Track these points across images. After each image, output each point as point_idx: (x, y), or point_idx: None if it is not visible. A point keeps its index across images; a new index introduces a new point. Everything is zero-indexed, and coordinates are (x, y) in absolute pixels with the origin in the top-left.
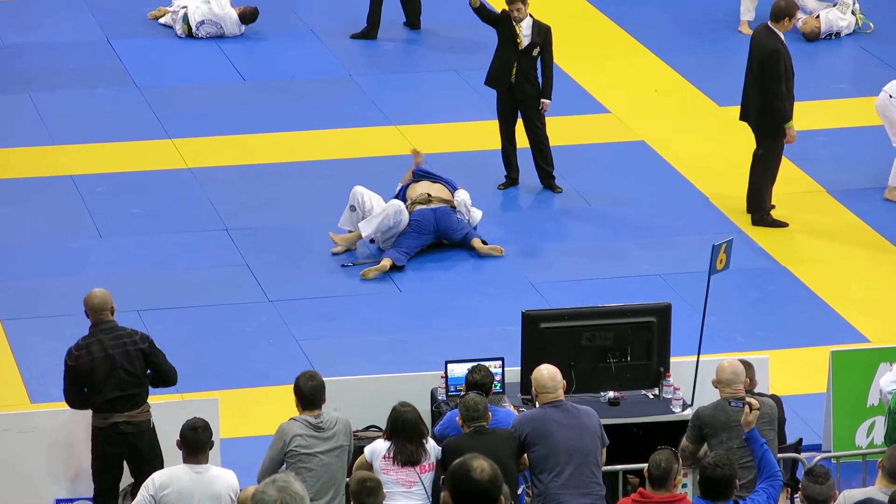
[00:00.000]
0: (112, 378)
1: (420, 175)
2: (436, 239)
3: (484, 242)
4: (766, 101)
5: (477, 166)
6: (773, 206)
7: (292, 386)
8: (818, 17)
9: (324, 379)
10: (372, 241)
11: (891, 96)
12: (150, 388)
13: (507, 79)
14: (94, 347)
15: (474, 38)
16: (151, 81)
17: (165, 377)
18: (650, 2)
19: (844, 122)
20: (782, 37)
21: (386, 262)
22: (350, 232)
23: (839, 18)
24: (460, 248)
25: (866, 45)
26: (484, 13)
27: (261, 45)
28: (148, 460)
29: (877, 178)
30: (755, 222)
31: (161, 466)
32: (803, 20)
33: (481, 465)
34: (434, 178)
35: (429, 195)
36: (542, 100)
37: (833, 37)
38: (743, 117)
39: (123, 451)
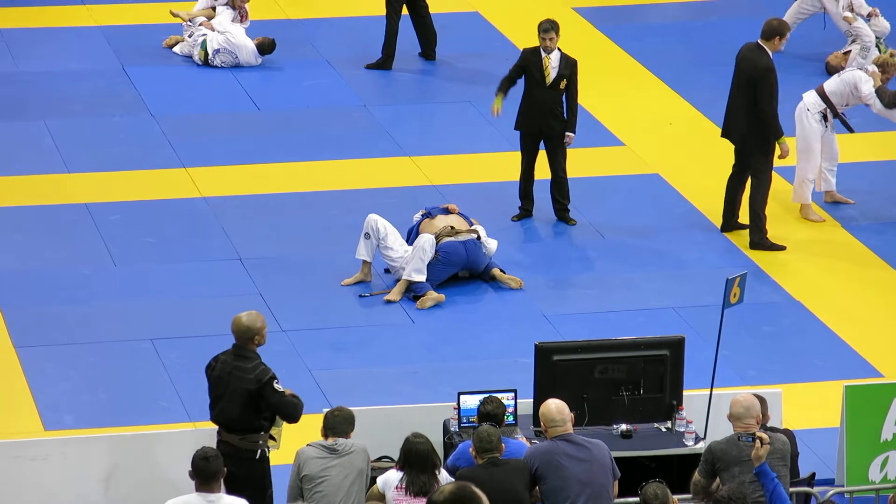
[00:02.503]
0: (222, 400)
1: (434, 210)
2: (461, 271)
3: (503, 272)
4: (756, 119)
5: (491, 197)
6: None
7: (305, 416)
8: (847, 53)
9: (348, 410)
10: (387, 271)
11: (808, 110)
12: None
13: (535, 120)
14: (220, 365)
15: (489, 69)
16: (166, 110)
17: (283, 416)
18: (665, 34)
19: (858, 157)
20: (771, 55)
21: (441, 296)
22: (364, 265)
23: (860, 63)
24: (478, 279)
25: None
26: (510, 82)
27: (276, 74)
28: (243, 486)
29: (891, 211)
30: (753, 245)
31: (262, 497)
32: (833, 54)
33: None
34: (438, 211)
35: (452, 227)
36: (567, 133)
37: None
38: (725, 134)
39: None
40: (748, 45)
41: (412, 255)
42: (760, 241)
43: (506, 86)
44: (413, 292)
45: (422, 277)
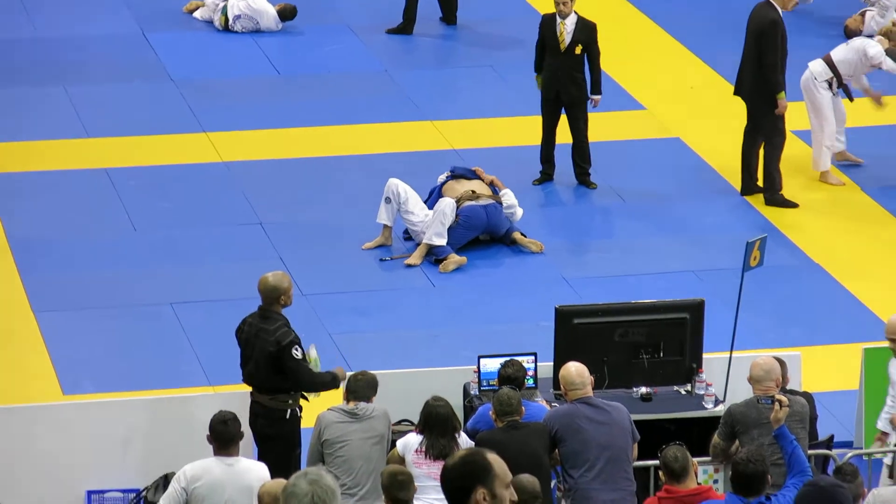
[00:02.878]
0: (250, 361)
1: (457, 174)
2: (482, 234)
3: (524, 235)
4: (762, 76)
5: (512, 161)
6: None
7: None
8: (863, 14)
9: (372, 375)
10: (406, 236)
11: (815, 78)
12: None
13: (553, 86)
14: (247, 328)
15: (510, 33)
16: (187, 75)
17: (297, 384)
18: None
19: (881, 120)
20: (780, 12)
21: (463, 258)
22: (384, 229)
23: (878, 23)
24: (498, 242)
25: None
26: (540, 57)
27: (297, 39)
28: (273, 445)
29: None
30: (767, 202)
31: (291, 457)
32: (852, 17)
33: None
34: (470, 175)
35: (474, 191)
36: (593, 96)
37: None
38: (737, 92)
39: (258, 429)
40: (759, 3)
41: (433, 219)
42: (773, 197)
43: (538, 62)
44: (434, 255)
45: (442, 241)
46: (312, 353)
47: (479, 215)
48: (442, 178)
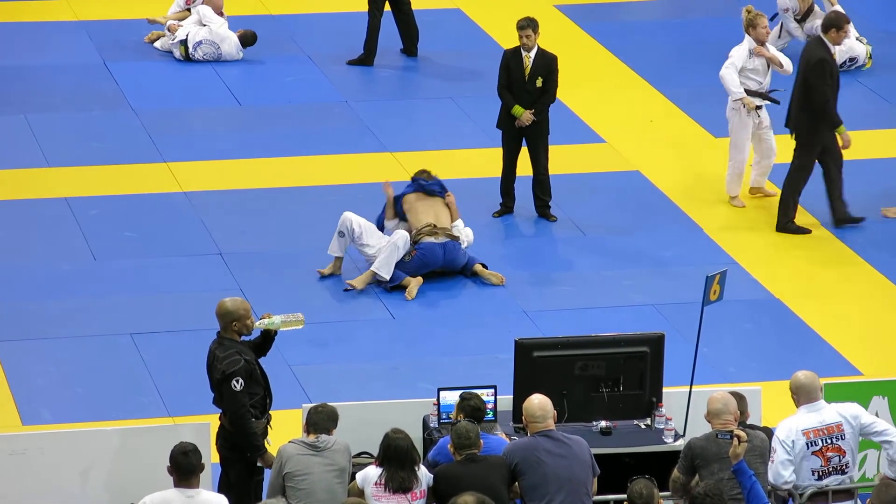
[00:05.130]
0: (211, 386)
1: (423, 188)
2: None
3: (485, 267)
4: (807, 111)
5: (472, 194)
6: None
7: (285, 411)
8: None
9: (332, 407)
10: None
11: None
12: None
13: (514, 119)
14: (209, 353)
15: (471, 65)
16: (147, 105)
17: (229, 417)
18: (647, 32)
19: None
20: (833, 49)
21: (419, 278)
22: (336, 259)
23: (856, 45)
24: (459, 274)
25: (861, 78)
26: (508, 88)
27: (258, 69)
28: (231, 468)
29: (870, 211)
30: (779, 229)
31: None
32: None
33: (465, 500)
34: (427, 188)
35: (434, 226)
36: (528, 111)
37: (849, 62)
38: (787, 124)
39: (218, 448)
40: (810, 39)
41: (385, 248)
42: (786, 225)
43: (507, 94)
44: (391, 283)
45: (386, 275)
46: (276, 320)
47: (435, 253)
48: (391, 213)
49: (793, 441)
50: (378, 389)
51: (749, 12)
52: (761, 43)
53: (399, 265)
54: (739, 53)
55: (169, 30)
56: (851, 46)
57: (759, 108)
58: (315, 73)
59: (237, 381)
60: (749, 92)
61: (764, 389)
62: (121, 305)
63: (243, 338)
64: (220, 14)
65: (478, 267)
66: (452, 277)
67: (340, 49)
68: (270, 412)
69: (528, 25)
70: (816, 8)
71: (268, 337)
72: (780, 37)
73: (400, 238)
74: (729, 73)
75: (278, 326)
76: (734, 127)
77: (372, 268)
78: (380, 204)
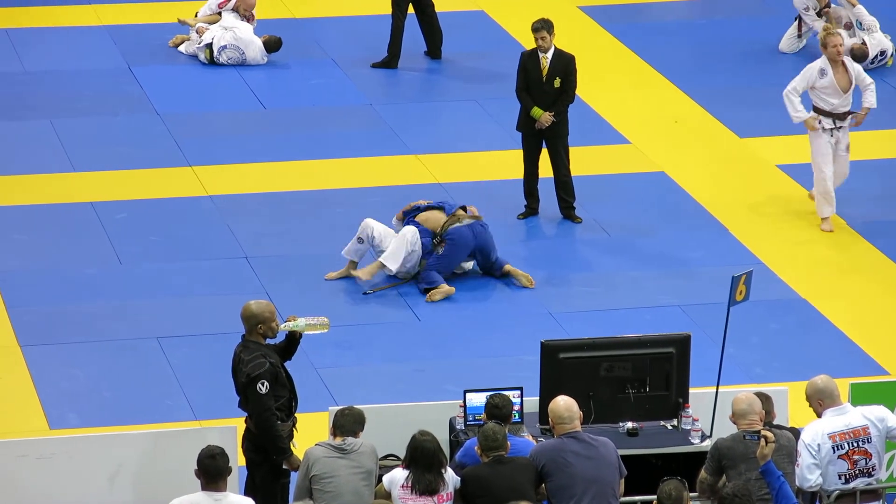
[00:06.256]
0: (237, 389)
1: (419, 210)
2: (472, 259)
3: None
4: None
5: (497, 196)
6: None
7: (311, 414)
8: (863, 42)
9: (359, 410)
10: (395, 275)
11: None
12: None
13: (535, 121)
14: (234, 357)
15: (495, 67)
16: (172, 109)
17: (252, 417)
18: (671, 33)
19: (865, 155)
20: None
21: (451, 288)
22: (349, 263)
23: (882, 40)
24: (487, 275)
25: (886, 77)
26: (526, 90)
27: (282, 73)
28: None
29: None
30: None
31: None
32: (855, 45)
33: None
34: (437, 206)
35: (454, 215)
36: (547, 112)
37: (880, 55)
38: None
39: (244, 450)
40: None
41: (394, 241)
42: None
43: (525, 96)
44: (425, 285)
45: (393, 267)
46: (301, 322)
47: (464, 235)
48: (422, 203)
49: (818, 445)
50: (404, 391)
51: (826, 30)
52: (832, 61)
53: (435, 259)
54: (806, 73)
55: (197, 32)
56: (881, 40)
57: (835, 128)
58: (339, 76)
59: (262, 385)
60: (819, 111)
61: (791, 390)
62: (147, 309)
63: (268, 341)
64: (251, 16)
65: (508, 266)
66: (478, 279)
67: (364, 52)
68: (296, 415)
69: (542, 27)
70: (833, 6)
71: (293, 340)
72: (800, 36)
73: (408, 231)
74: (787, 97)
75: (303, 329)
76: (812, 147)
77: (380, 258)
78: (401, 207)
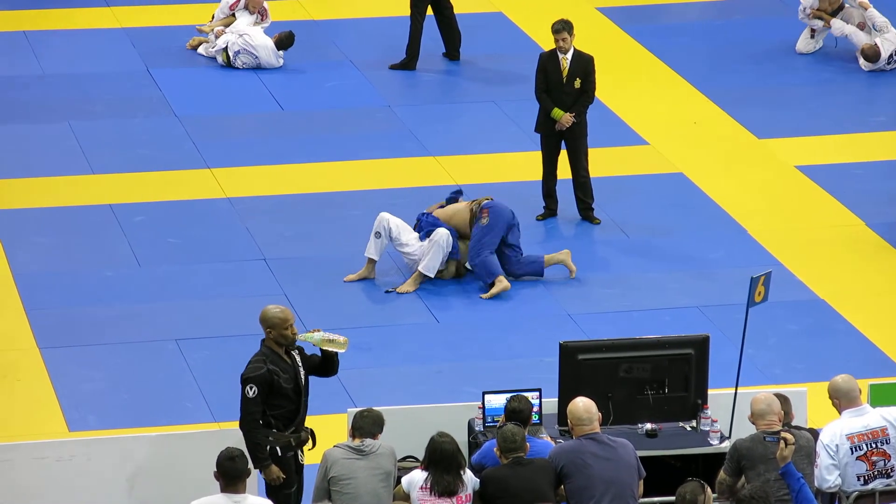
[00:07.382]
0: None
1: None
2: (508, 230)
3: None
4: None
5: (515, 197)
6: None
7: (330, 416)
8: (875, 44)
9: (377, 412)
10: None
11: None
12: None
13: (554, 122)
14: None
15: (513, 69)
16: (191, 111)
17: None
18: (689, 34)
19: (884, 156)
20: None
21: (507, 284)
22: (369, 262)
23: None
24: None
25: None
26: (546, 91)
27: (300, 75)
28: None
29: None
30: None
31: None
32: (866, 45)
33: None
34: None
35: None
36: (567, 113)
37: (893, 56)
38: None
39: None
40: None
41: (429, 249)
42: None
43: (545, 98)
44: (485, 275)
45: (432, 274)
46: (317, 336)
47: (500, 205)
48: (434, 208)
49: (837, 445)
50: (423, 393)
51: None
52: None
53: (480, 231)
54: None
55: (215, 35)
56: (894, 40)
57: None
58: (357, 77)
59: (250, 388)
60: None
61: (809, 391)
62: (166, 311)
63: (310, 352)
64: (264, 12)
65: (564, 253)
66: None
67: (382, 53)
68: (310, 428)
69: (563, 28)
70: (847, 6)
71: (328, 357)
72: (813, 37)
73: (441, 237)
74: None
75: (315, 342)
76: None
77: (419, 268)
78: (422, 209)
